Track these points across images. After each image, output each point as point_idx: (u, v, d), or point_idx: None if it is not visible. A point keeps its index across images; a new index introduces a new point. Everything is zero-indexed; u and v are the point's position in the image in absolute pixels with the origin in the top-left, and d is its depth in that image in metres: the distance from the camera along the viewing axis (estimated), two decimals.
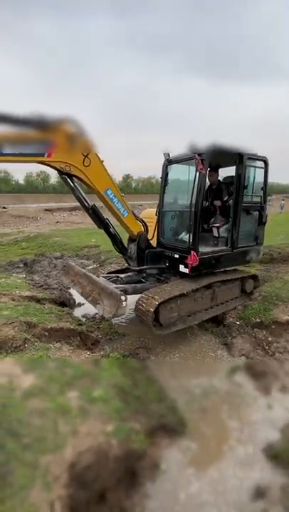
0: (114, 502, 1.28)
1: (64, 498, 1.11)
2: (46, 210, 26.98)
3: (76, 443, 1.27)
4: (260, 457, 1.52)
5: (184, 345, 3.66)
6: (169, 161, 4.08)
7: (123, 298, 2.93)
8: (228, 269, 4.21)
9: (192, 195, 3.44)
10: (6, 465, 1.11)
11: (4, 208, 26.87)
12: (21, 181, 71.66)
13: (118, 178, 77.44)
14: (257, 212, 4.15)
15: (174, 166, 4.14)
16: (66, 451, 1.23)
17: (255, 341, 3.58)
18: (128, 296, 3.45)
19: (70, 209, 27.34)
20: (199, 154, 3.23)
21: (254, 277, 4.63)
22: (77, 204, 3.45)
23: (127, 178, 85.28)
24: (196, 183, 3.39)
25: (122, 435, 1.43)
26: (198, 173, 3.34)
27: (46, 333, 3.27)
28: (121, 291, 3.34)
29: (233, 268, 4.33)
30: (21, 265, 7.48)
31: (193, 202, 3.45)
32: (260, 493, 1.36)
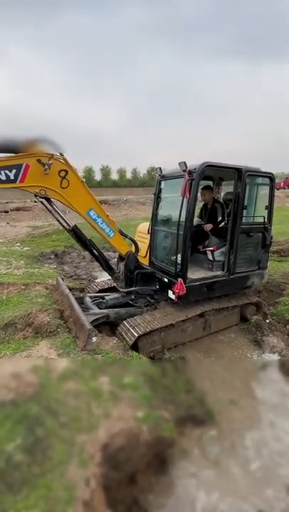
0: (144, 485, 1.32)
1: (98, 477, 1.17)
2: None
3: (109, 425, 1.32)
4: None
5: (209, 341, 3.59)
6: (162, 177, 3.82)
7: (93, 334, 2.68)
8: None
9: (179, 216, 3.09)
10: (46, 440, 1.19)
11: (36, 202, 28.09)
12: None
13: (143, 170, 77.06)
14: (260, 234, 3.72)
15: (167, 181, 3.84)
16: (100, 432, 1.29)
17: None
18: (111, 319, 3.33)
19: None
20: (190, 172, 2.95)
21: (257, 304, 4.12)
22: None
23: (152, 170, 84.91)
24: (184, 204, 3.06)
25: (152, 422, 1.46)
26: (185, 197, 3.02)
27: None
28: (102, 316, 3.22)
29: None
30: (52, 256, 7.82)
31: (182, 223, 3.11)
32: None
